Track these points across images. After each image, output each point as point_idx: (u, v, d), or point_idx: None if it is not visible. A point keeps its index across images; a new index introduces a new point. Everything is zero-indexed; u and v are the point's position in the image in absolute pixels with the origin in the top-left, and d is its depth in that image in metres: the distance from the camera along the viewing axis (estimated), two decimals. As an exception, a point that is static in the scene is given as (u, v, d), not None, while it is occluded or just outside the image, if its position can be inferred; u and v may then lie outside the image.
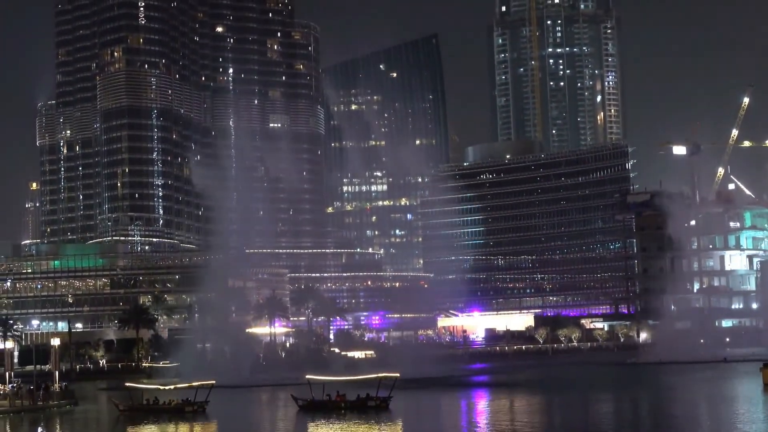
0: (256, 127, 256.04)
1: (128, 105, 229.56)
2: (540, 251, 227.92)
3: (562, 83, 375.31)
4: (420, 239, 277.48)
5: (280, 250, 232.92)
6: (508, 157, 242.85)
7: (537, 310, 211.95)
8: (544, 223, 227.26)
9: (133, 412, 53.06)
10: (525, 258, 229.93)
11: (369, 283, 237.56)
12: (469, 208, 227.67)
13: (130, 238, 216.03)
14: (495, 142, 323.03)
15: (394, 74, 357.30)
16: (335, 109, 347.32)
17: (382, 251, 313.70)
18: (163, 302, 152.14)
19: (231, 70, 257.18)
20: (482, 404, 61.43)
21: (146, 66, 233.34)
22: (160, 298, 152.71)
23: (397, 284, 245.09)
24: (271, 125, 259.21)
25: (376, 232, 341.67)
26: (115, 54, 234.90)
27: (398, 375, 52.55)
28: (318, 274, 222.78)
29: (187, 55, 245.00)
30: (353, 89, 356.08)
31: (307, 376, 52.65)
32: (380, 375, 51.35)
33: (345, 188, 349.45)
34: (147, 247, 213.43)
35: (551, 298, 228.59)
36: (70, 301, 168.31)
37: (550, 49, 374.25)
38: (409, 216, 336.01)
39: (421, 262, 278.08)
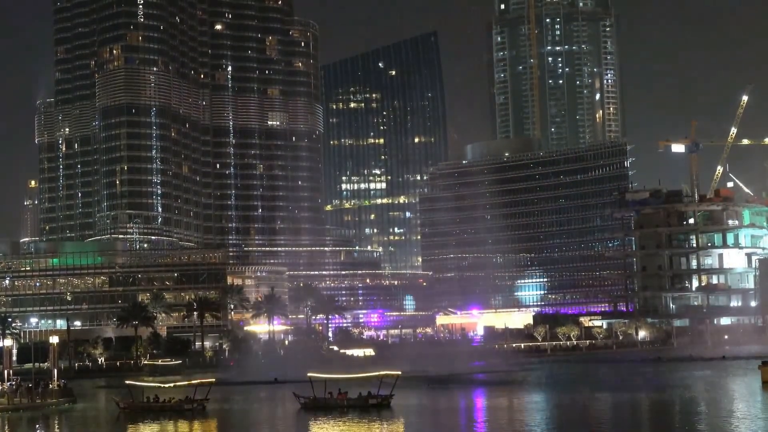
0: (255, 124, 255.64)
1: (127, 102, 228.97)
2: (539, 249, 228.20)
3: (560, 81, 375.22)
4: (419, 237, 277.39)
5: (279, 248, 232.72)
6: (506, 155, 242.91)
7: (536, 308, 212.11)
8: (543, 221, 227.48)
9: (133, 410, 52.99)
10: (524, 256, 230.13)
11: (368, 281, 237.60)
12: (467, 206, 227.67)
13: (128, 236, 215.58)
14: (494, 140, 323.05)
15: (393, 72, 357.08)
16: (334, 106, 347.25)
17: (380, 249, 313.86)
18: (162, 300, 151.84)
19: (230, 68, 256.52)
20: (482, 402, 61.49)
21: (145, 64, 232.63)
22: (159, 296, 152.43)
23: (396, 282, 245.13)
24: (270, 123, 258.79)
25: (375, 230, 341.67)
26: (114, 52, 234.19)
27: (400, 373, 52.52)
28: (317, 272, 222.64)
29: (185, 52, 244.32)
30: (352, 87, 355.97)
31: (309, 374, 52.59)
32: (381, 373, 51.30)
33: (344, 186, 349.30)
34: (145, 245, 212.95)
35: (550, 296, 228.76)
36: (69, 298, 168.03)
37: (549, 47, 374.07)
38: (407, 214, 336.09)
39: (420, 260, 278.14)
